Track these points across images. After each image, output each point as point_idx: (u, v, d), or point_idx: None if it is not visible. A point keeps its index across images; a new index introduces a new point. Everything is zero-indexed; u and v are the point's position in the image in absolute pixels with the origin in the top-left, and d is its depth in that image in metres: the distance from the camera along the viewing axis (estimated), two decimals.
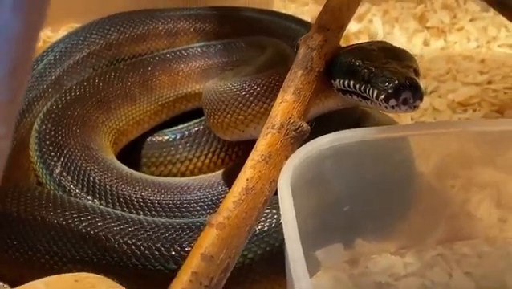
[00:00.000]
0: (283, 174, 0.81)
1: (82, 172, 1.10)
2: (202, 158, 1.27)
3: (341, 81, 0.94)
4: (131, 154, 1.28)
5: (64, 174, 1.10)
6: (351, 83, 0.92)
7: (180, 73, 1.36)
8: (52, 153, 1.12)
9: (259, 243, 0.96)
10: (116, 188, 1.08)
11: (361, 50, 0.98)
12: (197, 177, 1.22)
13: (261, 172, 0.81)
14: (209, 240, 0.74)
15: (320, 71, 0.93)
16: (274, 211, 0.97)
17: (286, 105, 0.88)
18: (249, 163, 0.82)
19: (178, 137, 1.28)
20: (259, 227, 0.96)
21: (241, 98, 1.04)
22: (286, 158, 0.84)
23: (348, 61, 0.94)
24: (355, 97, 0.93)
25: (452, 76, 1.64)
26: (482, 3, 1.94)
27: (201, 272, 0.71)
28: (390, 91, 0.85)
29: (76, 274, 0.83)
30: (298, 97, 0.89)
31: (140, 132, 1.31)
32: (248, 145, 0.90)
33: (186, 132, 1.28)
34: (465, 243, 1.03)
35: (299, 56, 0.95)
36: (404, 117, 1.43)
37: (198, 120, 1.30)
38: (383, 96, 0.86)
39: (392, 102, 0.85)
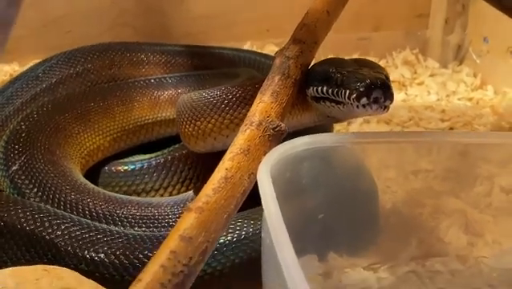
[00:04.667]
0: (263, 165, 0.80)
1: (37, 173, 1.09)
2: (169, 189, 1.25)
3: (314, 88, 0.96)
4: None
5: (20, 173, 1.09)
6: (325, 88, 0.94)
7: (161, 97, 1.38)
8: (15, 151, 1.13)
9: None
10: (65, 194, 1.07)
11: (334, 60, 1.03)
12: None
13: (240, 164, 0.80)
14: (187, 222, 0.72)
15: (297, 80, 0.95)
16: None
17: (264, 105, 0.88)
18: (227, 156, 0.81)
19: (145, 166, 1.26)
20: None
21: (227, 101, 1.03)
22: (265, 154, 0.83)
23: (322, 68, 0.97)
24: (327, 103, 0.95)
25: (415, 123, 1.67)
26: (441, 60, 2.01)
27: (180, 251, 0.69)
28: (362, 89, 0.88)
29: (45, 265, 0.79)
30: (276, 99, 0.90)
31: (117, 149, 1.31)
32: None
33: (153, 162, 1.27)
34: (437, 260, 1.02)
35: (276, 65, 0.96)
36: None
37: (166, 151, 1.29)
38: (354, 95, 0.88)
39: (364, 100, 0.88)
